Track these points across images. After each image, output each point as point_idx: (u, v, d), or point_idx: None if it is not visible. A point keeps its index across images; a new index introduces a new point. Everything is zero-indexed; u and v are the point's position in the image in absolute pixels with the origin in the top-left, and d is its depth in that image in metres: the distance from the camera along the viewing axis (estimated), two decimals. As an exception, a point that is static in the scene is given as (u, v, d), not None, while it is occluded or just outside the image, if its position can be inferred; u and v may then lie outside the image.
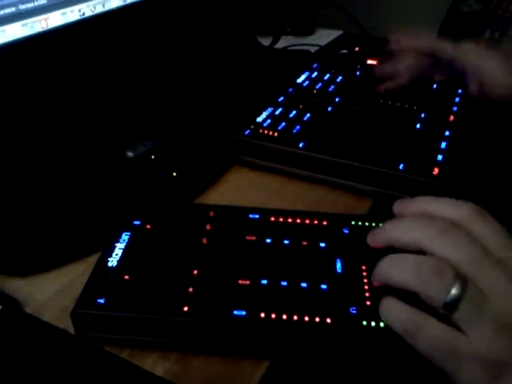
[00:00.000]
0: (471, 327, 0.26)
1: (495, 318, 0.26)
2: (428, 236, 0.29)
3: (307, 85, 0.60)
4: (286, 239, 0.36)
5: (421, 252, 0.29)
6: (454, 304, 0.26)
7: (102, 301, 0.31)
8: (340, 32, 0.87)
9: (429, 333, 0.27)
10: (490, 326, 0.26)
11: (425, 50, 0.56)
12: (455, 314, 0.26)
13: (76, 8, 0.47)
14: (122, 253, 0.34)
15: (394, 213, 0.33)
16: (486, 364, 0.26)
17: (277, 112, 0.53)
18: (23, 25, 0.42)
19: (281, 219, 0.37)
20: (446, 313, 0.26)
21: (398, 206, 0.33)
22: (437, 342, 0.26)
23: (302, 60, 0.70)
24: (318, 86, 0.59)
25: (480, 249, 0.28)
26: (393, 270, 0.29)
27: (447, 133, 0.50)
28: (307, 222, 0.37)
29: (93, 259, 0.35)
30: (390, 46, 0.59)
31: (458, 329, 0.26)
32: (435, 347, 0.27)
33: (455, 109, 0.55)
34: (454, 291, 0.26)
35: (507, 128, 0.52)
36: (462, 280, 0.26)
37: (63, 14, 0.46)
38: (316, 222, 0.37)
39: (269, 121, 0.51)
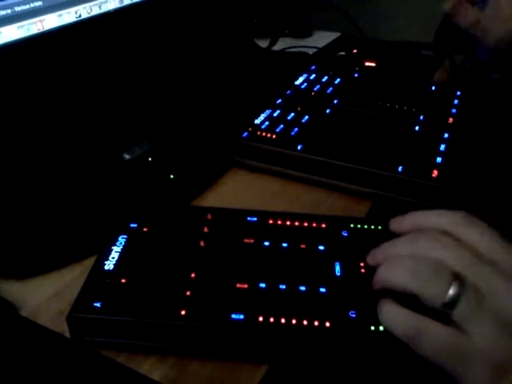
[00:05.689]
0: (472, 326, 0.26)
1: (495, 317, 0.26)
2: (419, 247, 0.30)
3: (305, 87, 0.60)
4: (285, 242, 0.35)
5: None
6: (453, 302, 0.26)
7: (98, 304, 0.30)
8: (338, 34, 0.88)
9: (431, 337, 0.27)
10: (491, 325, 0.26)
11: None
12: (455, 313, 0.26)
13: (72, 10, 0.47)
14: (119, 256, 0.34)
15: (390, 229, 0.34)
16: (491, 363, 0.25)
17: (275, 114, 0.53)
18: (19, 27, 0.42)
19: (279, 222, 0.37)
20: (446, 311, 0.27)
21: (393, 224, 0.34)
22: (440, 346, 0.26)
23: (300, 62, 0.70)
24: (316, 88, 0.59)
25: (470, 252, 0.28)
26: (391, 273, 0.30)
27: (446, 135, 0.50)
28: (306, 224, 0.37)
29: (89, 262, 0.35)
30: None
31: (459, 328, 0.26)
32: (439, 351, 0.26)
33: (454, 111, 0.55)
34: (452, 289, 0.26)
35: (506, 130, 0.52)
36: (459, 278, 0.27)
37: (59, 15, 0.46)
38: (314, 224, 0.37)
39: (267, 123, 0.51)
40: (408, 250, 0.30)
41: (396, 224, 0.34)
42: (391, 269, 0.30)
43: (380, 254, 0.32)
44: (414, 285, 0.28)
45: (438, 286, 0.27)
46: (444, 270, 0.27)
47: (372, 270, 0.32)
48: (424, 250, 0.29)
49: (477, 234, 0.29)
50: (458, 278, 0.27)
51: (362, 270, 0.33)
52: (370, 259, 0.33)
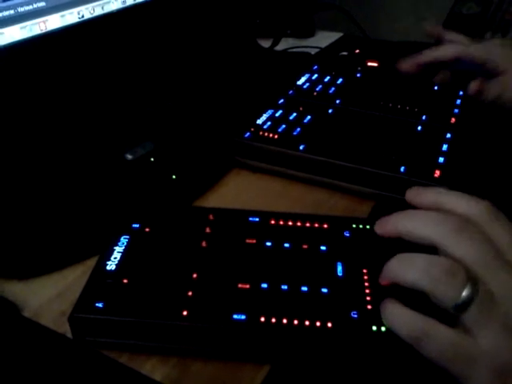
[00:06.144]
0: (480, 329, 0.26)
1: (505, 321, 0.26)
2: (442, 233, 0.28)
3: (307, 87, 0.60)
4: (287, 242, 0.35)
5: (433, 248, 0.28)
6: (464, 305, 0.26)
7: (100, 305, 0.30)
8: (340, 34, 0.87)
9: (437, 340, 0.26)
10: (499, 329, 0.26)
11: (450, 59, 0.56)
12: (465, 316, 0.26)
13: (75, 10, 0.47)
14: (121, 256, 0.34)
15: (406, 199, 0.32)
16: (496, 366, 0.25)
17: (277, 114, 0.53)
18: (22, 27, 0.42)
19: (281, 222, 0.37)
20: (455, 314, 0.26)
21: (412, 194, 0.32)
22: (446, 349, 0.26)
23: (303, 62, 0.70)
24: (318, 88, 0.59)
25: (493, 250, 0.27)
26: (404, 269, 0.29)
27: (448, 135, 0.50)
28: (308, 225, 0.37)
29: (91, 263, 0.35)
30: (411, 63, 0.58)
31: (465, 331, 0.26)
32: (444, 353, 0.26)
33: (456, 111, 0.55)
34: (465, 292, 0.26)
35: (509, 129, 0.52)
36: (474, 281, 0.26)
37: (62, 16, 0.46)
38: (316, 225, 0.37)
39: (269, 123, 0.51)
40: (426, 233, 0.29)
41: (413, 195, 0.32)
42: (404, 264, 0.29)
43: (391, 226, 0.31)
44: (425, 283, 0.27)
45: (450, 287, 0.26)
46: (459, 270, 0.26)
47: (374, 271, 0.31)
48: (445, 239, 0.28)
49: (501, 231, 0.28)
50: (472, 279, 0.26)
51: (364, 271, 0.33)
52: (379, 228, 0.31)
